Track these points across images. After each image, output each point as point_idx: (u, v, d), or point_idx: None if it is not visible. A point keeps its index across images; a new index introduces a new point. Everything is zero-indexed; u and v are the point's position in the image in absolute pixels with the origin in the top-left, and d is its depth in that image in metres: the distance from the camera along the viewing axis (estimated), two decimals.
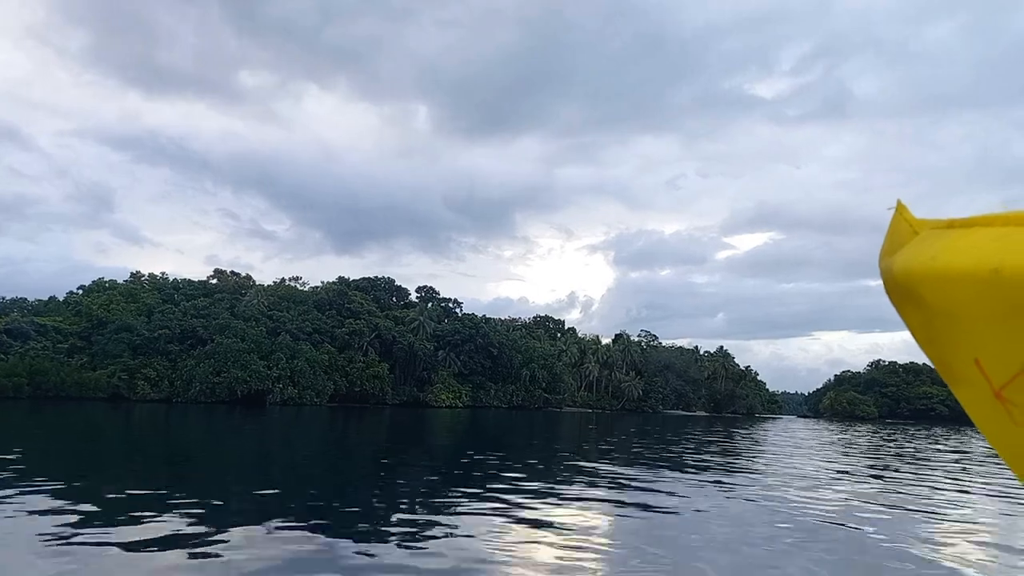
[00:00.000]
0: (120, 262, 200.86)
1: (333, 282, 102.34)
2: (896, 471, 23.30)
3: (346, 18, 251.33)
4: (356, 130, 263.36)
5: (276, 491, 14.51)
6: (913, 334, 0.63)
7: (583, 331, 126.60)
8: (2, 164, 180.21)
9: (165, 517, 10.57)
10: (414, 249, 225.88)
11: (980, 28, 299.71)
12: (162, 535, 9.36)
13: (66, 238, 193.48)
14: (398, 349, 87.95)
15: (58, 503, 11.45)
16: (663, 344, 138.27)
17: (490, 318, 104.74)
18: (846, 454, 31.87)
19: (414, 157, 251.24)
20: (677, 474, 19.22)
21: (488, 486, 15.20)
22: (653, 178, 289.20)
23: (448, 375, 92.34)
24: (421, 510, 12.47)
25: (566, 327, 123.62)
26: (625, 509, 12.96)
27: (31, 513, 10.51)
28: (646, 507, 13.12)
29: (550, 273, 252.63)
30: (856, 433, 60.62)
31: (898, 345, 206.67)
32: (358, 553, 8.89)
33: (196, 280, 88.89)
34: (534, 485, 15.67)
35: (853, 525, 12.06)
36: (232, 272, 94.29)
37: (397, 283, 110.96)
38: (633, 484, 16.55)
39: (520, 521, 11.23)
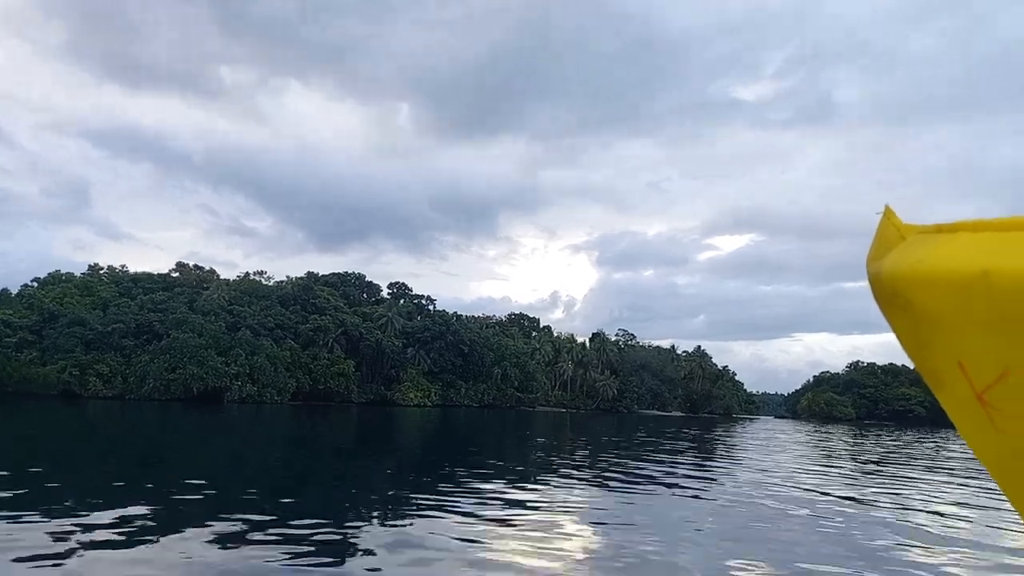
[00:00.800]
0: (99, 258, 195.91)
1: (301, 277, 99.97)
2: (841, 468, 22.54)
3: (327, 16, 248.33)
4: (339, 128, 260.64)
5: (212, 492, 13.52)
6: (899, 338, 0.64)
7: (566, 331, 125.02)
8: None
9: (93, 525, 9.67)
10: (396, 248, 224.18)
11: (963, 36, 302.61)
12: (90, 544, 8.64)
13: (44, 234, 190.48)
14: (365, 346, 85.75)
15: None
16: (640, 344, 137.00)
17: (461, 315, 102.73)
18: (804, 454, 30.53)
19: (397, 156, 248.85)
20: (642, 480, 18.12)
21: (453, 489, 14.58)
22: (636, 180, 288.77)
23: (417, 373, 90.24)
24: (381, 514, 11.98)
25: (541, 326, 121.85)
26: (595, 514, 12.54)
27: None
28: (613, 510, 12.89)
29: (533, 273, 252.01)
30: (821, 433, 59.34)
31: (877, 347, 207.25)
32: (312, 565, 8.26)
33: (156, 274, 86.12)
34: (502, 488, 15.12)
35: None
36: (195, 266, 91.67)
37: (368, 279, 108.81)
38: (606, 487, 16.22)
39: (488, 525, 10.89)
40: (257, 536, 9.47)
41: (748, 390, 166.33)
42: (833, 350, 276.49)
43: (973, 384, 0.56)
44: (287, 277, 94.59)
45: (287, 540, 9.29)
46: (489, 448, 30.09)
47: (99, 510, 10.84)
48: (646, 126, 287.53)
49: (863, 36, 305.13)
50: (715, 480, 18.79)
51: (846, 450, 37.04)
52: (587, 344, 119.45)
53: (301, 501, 12.85)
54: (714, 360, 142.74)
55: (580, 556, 9.18)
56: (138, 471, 17.37)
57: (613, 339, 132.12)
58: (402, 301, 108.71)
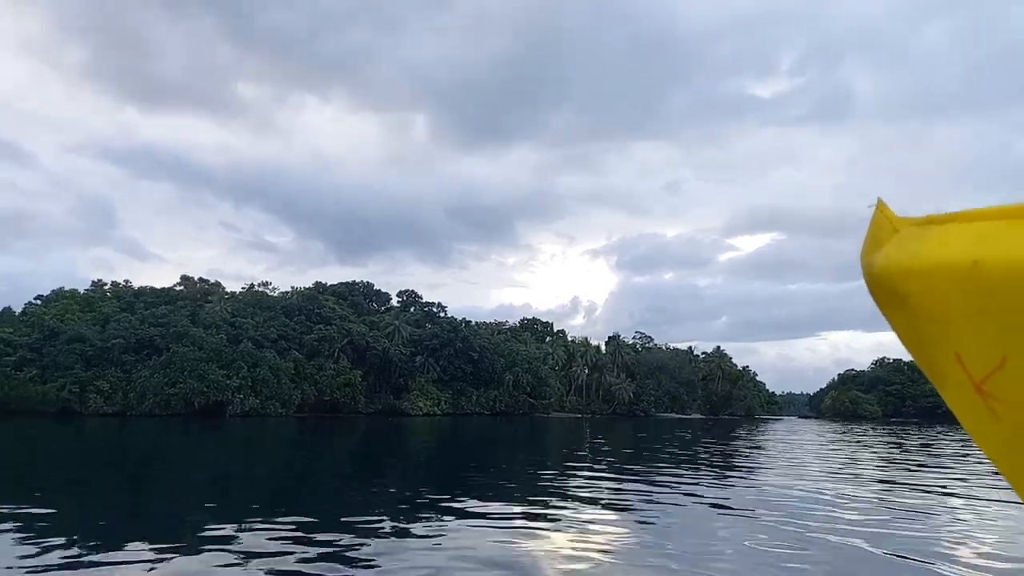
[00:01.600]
0: (123, 277, 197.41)
1: (308, 288, 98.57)
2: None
3: (337, 28, 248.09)
4: (355, 140, 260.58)
5: (212, 507, 13.37)
6: (896, 332, 0.64)
7: (587, 336, 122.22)
8: (3, 180, 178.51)
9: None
10: (416, 259, 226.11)
11: (977, 29, 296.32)
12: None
13: (69, 254, 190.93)
14: (372, 355, 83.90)
15: None
16: (659, 346, 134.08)
17: (470, 321, 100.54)
18: (824, 456, 28.02)
19: (413, 166, 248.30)
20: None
21: (462, 502, 13.85)
22: (653, 183, 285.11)
23: (426, 381, 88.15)
24: (388, 531, 11.12)
25: (556, 330, 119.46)
26: (617, 527, 11.80)
27: None
28: (637, 524, 12.08)
29: (553, 279, 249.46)
30: (840, 434, 56.36)
31: None
32: None
33: (159, 288, 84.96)
34: (516, 501, 14.38)
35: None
36: (200, 279, 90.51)
37: (377, 287, 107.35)
38: (626, 498, 15.20)
39: (508, 539, 10.27)
40: (258, 551, 9.15)
41: (773, 390, 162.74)
42: (859, 347, 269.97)
43: (971, 375, 0.56)
44: (292, 287, 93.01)
45: (288, 556, 8.94)
46: (500, 457, 28.85)
47: (85, 537, 10.27)
48: (661, 128, 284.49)
49: (878, 30, 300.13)
50: (737, 486, 17.61)
51: (863, 448, 34.31)
52: (602, 347, 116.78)
53: (300, 516, 12.05)
54: (738, 361, 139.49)
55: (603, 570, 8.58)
56: (129, 488, 16.69)
57: (630, 342, 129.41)
58: (412, 309, 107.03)
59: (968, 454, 29.99)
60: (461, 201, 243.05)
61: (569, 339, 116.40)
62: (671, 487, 16.73)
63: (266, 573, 8.16)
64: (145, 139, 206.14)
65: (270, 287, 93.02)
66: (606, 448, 34.16)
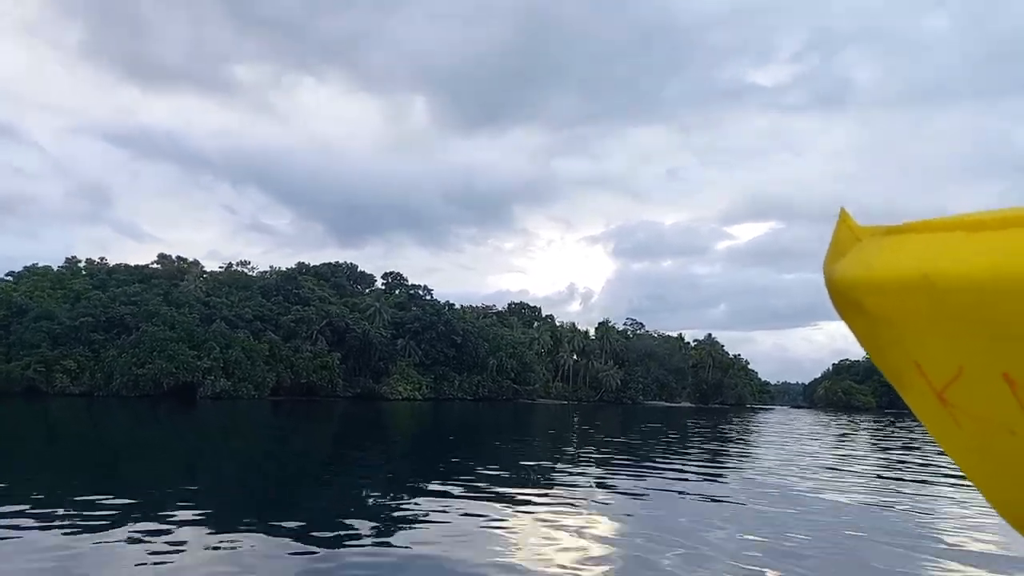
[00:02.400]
0: (121, 259, 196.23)
1: (291, 268, 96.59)
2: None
3: (336, 10, 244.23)
4: (353, 123, 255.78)
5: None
6: (858, 340, 0.64)
7: (584, 323, 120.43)
8: (1, 161, 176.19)
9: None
10: (413, 242, 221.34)
11: (979, 17, 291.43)
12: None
13: (67, 235, 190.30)
14: (351, 337, 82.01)
15: None
16: (649, 332, 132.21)
17: (454, 304, 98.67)
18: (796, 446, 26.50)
19: (411, 150, 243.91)
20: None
21: (436, 492, 13.36)
22: (652, 169, 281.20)
23: (407, 365, 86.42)
24: (366, 520, 10.67)
25: (543, 315, 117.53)
26: (601, 518, 11.54)
27: None
28: (621, 512, 12.10)
29: (550, 265, 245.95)
30: (832, 424, 54.69)
31: None
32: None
33: (133, 265, 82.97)
34: (495, 487, 14.08)
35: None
36: (178, 257, 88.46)
37: (361, 269, 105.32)
38: (610, 485, 15.29)
39: (488, 527, 10.20)
40: (226, 544, 8.85)
41: (769, 380, 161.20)
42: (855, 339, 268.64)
43: (932, 384, 0.56)
44: (270, 267, 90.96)
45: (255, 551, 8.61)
46: (484, 445, 28.27)
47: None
48: (660, 113, 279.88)
49: (879, 18, 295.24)
50: (725, 477, 17.65)
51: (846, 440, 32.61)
52: (590, 333, 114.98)
53: (274, 508, 11.70)
54: (736, 350, 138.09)
55: (586, 566, 8.32)
56: (89, 474, 16.17)
57: (621, 328, 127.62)
58: (398, 291, 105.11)
59: None
60: (459, 185, 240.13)
61: (557, 324, 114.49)
62: (660, 476, 16.48)
63: (240, 569, 7.86)
64: (144, 120, 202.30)
65: (249, 266, 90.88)
66: (594, 435, 33.46)
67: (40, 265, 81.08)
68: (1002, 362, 0.50)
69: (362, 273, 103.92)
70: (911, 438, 36.91)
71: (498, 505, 12.01)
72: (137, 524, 9.86)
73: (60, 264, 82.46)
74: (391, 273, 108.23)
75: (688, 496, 13.80)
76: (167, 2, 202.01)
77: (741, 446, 29.83)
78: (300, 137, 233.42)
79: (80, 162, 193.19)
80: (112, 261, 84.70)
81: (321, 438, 31.29)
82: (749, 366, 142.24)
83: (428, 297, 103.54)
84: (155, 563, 7.97)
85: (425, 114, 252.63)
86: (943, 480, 17.69)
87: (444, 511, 11.31)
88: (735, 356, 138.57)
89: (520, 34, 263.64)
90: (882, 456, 26.63)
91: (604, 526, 10.76)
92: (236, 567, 8.01)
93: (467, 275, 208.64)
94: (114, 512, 10.68)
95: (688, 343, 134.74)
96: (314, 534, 9.54)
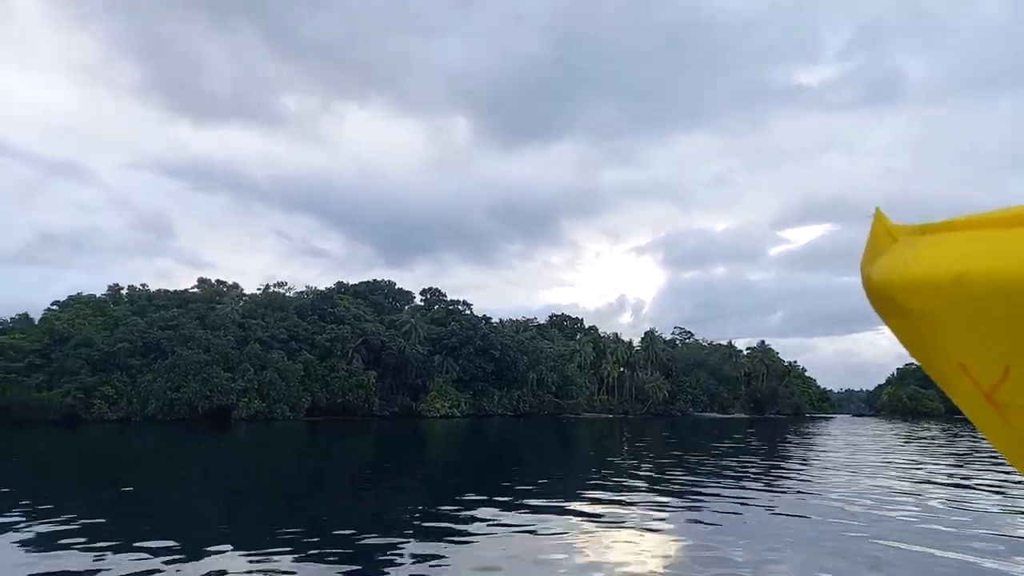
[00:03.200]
0: (184, 287, 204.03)
1: (331, 287, 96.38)
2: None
3: (374, 36, 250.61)
4: (398, 145, 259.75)
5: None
6: (901, 342, 0.61)
7: (635, 335, 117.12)
8: (67, 198, 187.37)
9: None
10: (461, 260, 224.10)
11: None
12: None
13: (131, 266, 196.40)
14: (387, 355, 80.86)
15: None
16: (698, 341, 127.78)
17: (490, 319, 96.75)
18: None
19: (455, 169, 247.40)
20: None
21: (479, 512, 12.54)
22: (698, 176, 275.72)
23: (445, 382, 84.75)
24: (408, 542, 10.22)
25: (586, 326, 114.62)
26: (661, 536, 10.72)
27: None
28: (683, 531, 11.30)
29: (599, 277, 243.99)
30: (895, 432, 50.49)
31: None
32: None
33: (172, 291, 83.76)
34: (543, 505, 13.45)
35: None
36: (217, 281, 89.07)
37: (399, 286, 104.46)
38: (664, 504, 14.05)
39: (541, 547, 9.63)
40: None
41: (831, 387, 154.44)
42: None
43: (979, 384, 0.54)
44: (306, 287, 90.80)
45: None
46: (521, 461, 27.43)
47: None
48: (703, 119, 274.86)
49: (928, 8, 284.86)
50: (789, 492, 16.20)
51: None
52: (634, 343, 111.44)
53: (313, 531, 11.17)
54: (795, 357, 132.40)
55: None
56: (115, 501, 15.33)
57: (669, 337, 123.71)
58: (436, 307, 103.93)
59: None
60: (504, 201, 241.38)
61: (600, 335, 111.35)
62: (721, 492, 15.60)
63: None
64: (198, 153, 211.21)
65: (286, 287, 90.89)
66: (644, 450, 31.86)
67: (84, 294, 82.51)
68: None
69: (400, 290, 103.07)
70: (972, 446, 33.19)
71: (548, 523, 11.42)
72: (175, 548, 9.69)
73: (103, 292, 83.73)
74: (429, 289, 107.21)
75: (751, 511, 12.91)
76: (216, 39, 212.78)
77: (800, 458, 27.62)
78: (346, 162, 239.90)
79: (140, 195, 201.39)
80: (132, 284, 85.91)
81: (358, 457, 30.40)
82: (806, 373, 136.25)
83: (467, 312, 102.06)
84: None
85: (467, 132, 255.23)
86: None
87: (492, 531, 10.81)
88: (791, 363, 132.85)
89: (556, 47, 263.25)
90: (950, 464, 23.72)
91: (660, 546, 10.01)
92: None
93: (516, 291, 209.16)
94: (152, 535, 10.58)
95: (740, 351, 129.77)
96: (359, 556, 9.26)
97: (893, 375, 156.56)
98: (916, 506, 13.70)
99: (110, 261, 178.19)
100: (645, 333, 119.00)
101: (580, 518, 11.86)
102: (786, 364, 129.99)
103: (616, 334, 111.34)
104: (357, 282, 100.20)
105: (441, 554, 9.26)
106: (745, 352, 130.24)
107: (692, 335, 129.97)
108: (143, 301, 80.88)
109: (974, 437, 43.86)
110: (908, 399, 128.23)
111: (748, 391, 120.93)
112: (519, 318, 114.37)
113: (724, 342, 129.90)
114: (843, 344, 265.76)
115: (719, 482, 17.90)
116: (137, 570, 8.49)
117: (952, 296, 0.50)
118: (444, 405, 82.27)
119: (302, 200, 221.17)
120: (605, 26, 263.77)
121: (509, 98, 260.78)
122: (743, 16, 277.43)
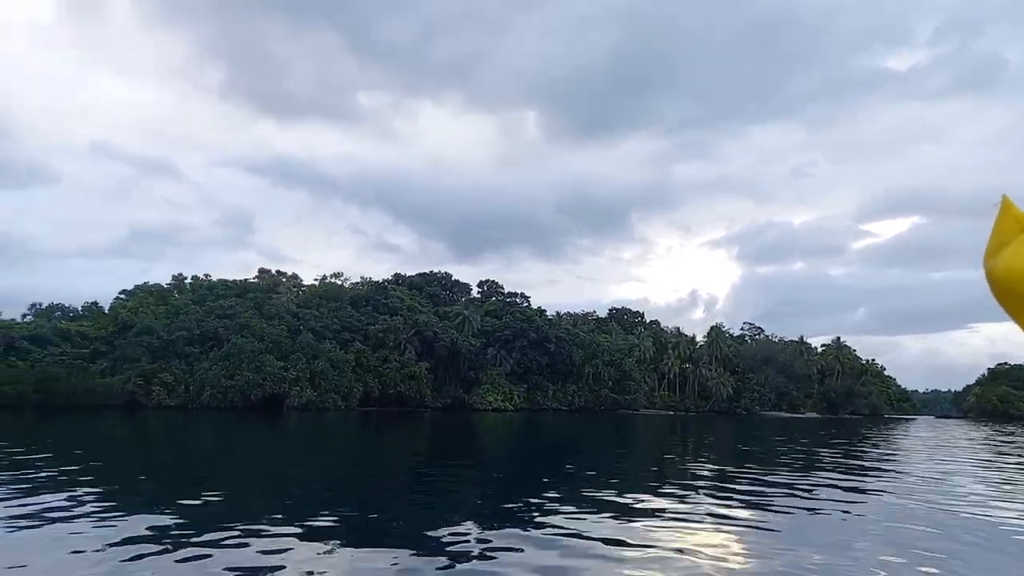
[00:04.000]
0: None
1: (388, 279, 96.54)
2: None
3: (447, 34, 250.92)
4: (469, 141, 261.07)
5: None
6: None
7: (704, 331, 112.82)
8: (158, 195, 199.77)
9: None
10: (531, 255, 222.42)
11: None
12: None
13: (216, 260, 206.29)
14: (440, 347, 80.00)
15: None
16: (769, 337, 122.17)
17: (544, 311, 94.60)
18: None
19: (525, 164, 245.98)
20: None
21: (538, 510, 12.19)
22: (776, 168, 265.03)
23: (498, 375, 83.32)
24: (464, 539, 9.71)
25: (647, 320, 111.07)
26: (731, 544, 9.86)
27: None
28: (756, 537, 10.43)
29: (671, 272, 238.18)
30: (985, 435, 45.93)
31: None
32: None
33: (231, 280, 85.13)
34: (602, 502, 13.00)
35: None
36: (278, 272, 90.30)
37: (455, 278, 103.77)
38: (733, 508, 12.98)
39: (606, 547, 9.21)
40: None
41: (917, 388, 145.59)
42: (1021, 340, 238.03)
43: None
44: (361, 278, 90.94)
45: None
46: (576, 457, 26.35)
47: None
48: (782, 110, 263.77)
49: None
50: (866, 498, 15.07)
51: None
52: (697, 339, 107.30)
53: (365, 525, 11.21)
54: (878, 355, 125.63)
55: None
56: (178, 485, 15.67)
57: (737, 333, 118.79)
58: (493, 299, 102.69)
59: None
60: (574, 196, 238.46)
61: (662, 328, 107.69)
62: (794, 495, 14.85)
63: None
64: (279, 151, 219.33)
65: (342, 278, 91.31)
66: (707, 450, 30.70)
67: (151, 283, 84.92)
68: None
69: (456, 282, 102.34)
70: None
71: (609, 522, 11.11)
72: (231, 535, 9.59)
73: (168, 282, 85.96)
74: (486, 281, 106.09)
75: (825, 516, 12.31)
76: (295, 41, 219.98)
77: (881, 463, 25.29)
78: (419, 158, 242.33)
79: (224, 192, 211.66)
80: (195, 273, 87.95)
81: (409, 449, 29.71)
82: (885, 372, 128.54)
83: (524, 305, 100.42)
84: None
85: (538, 127, 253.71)
86: None
87: (551, 529, 10.44)
88: (869, 361, 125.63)
89: (629, 40, 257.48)
90: None
91: (725, 549, 9.50)
92: None
93: (586, 286, 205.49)
94: (208, 523, 10.53)
95: (813, 348, 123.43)
96: (417, 549, 9.01)
97: (984, 375, 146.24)
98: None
99: (196, 254, 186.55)
100: (711, 328, 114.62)
101: (644, 517, 11.48)
102: (864, 362, 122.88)
103: (678, 328, 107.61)
104: (414, 273, 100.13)
105: (513, 547, 9.10)
106: (819, 349, 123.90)
107: (762, 331, 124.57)
108: (203, 290, 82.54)
109: None
110: (998, 400, 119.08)
111: (821, 390, 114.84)
112: (582, 312, 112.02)
113: (795, 338, 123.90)
114: (931, 343, 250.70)
115: (790, 481, 16.91)
116: (201, 553, 8.52)
117: None
118: (497, 398, 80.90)
119: (376, 196, 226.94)
120: (680, 17, 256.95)
121: (581, 92, 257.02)
122: (827, 3, 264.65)
